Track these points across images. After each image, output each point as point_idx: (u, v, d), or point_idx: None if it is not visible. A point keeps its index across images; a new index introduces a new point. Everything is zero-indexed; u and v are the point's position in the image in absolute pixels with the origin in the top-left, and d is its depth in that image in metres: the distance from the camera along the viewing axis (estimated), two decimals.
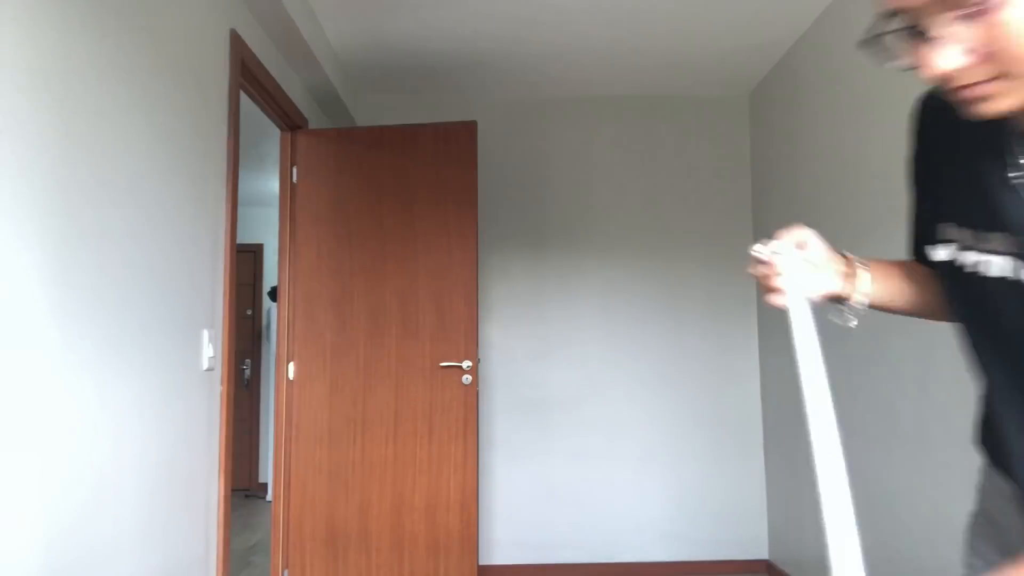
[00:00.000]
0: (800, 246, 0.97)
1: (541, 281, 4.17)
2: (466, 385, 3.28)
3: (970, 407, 2.36)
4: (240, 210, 6.31)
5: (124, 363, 1.82)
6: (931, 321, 1.12)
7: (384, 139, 3.43)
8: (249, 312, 6.61)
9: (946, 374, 2.38)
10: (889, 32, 0.70)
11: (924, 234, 0.95)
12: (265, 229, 6.44)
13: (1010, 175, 0.77)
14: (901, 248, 2.79)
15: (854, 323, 1.00)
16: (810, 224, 3.52)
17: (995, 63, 0.67)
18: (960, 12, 0.66)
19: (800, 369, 0.89)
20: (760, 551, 4.04)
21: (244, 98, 2.98)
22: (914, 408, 2.57)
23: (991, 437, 0.90)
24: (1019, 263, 0.76)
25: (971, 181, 0.82)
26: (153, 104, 2.00)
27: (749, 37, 3.53)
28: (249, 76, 2.78)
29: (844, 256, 1.01)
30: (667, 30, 3.45)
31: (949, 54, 0.68)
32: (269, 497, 6.07)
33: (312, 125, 3.63)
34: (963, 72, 0.69)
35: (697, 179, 4.25)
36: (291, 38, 3.02)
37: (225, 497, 2.45)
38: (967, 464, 2.30)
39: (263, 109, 3.15)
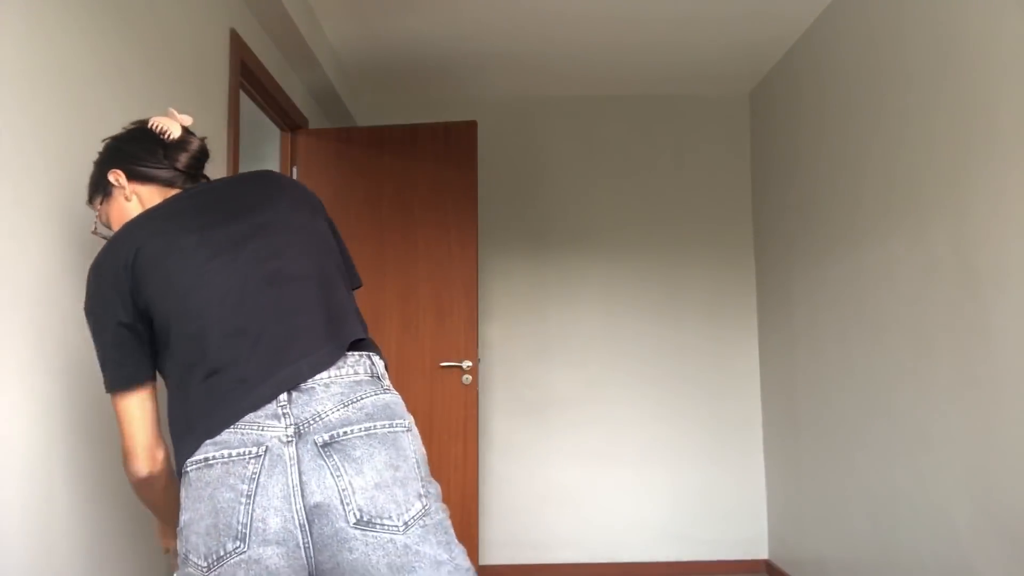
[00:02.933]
0: None
1: (541, 281, 4.17)
2: (466, 385, 3.28)
3: (970, 408, 2.38)
4: None
5: None
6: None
7: (384, 139, 3.43)
8: None
9: (947, 374, 2.38)
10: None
11: None
12: None
13: None
14: (902, 247, 2.79)
15: None
16: (810, 225, 3.51)
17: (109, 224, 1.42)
18: (94, 204, 1.43)
19: None
20: (760, 551, 4.04)
21: (244, 98, 2.98)
22: (914, 408, 2.57)
23: None
24: None
25: None
26: (153, 104, 2.00)
27: (749, 36, 3.53)
28: (249, 76, 2.78)
29: None
30: (667, 30, 3.45)
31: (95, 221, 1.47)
32: None
33: (312, 125, 3.63)
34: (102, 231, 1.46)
35: (697, 179, 4.24)
36: (291, 38, 3.02)
37: None
38: (967, 464, 2.31)
39: (263, 109, 3.14)
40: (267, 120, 3.36)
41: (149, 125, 1.39)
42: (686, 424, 4.11)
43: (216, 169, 2.43)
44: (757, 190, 4.16)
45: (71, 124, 1.62)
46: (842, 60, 3.10)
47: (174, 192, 1.36)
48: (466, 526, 3.24)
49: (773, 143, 3.91)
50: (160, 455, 1.25)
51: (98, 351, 1.23)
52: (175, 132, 1.38)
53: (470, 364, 3.28)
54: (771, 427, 3.96)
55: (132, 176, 1.36)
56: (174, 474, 1.25)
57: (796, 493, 3.63)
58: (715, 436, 4.10)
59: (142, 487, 1.27)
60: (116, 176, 1.37)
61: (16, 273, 1.44)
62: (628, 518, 4.06)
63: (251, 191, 1.31)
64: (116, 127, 1.79)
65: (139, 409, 1.22)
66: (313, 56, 3.21)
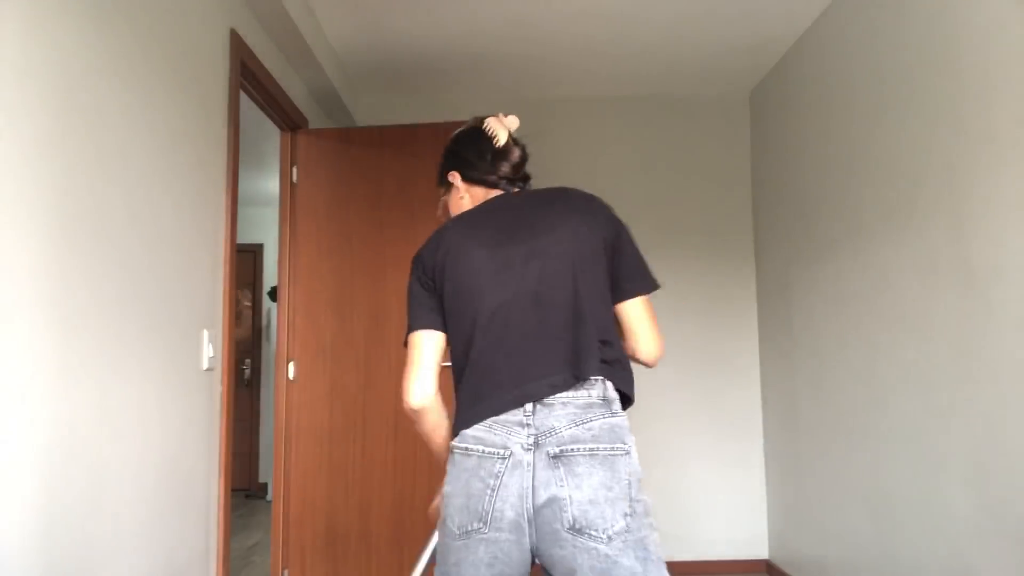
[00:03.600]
0: None
1: None
2: None
3: (970, 407, 2.38)
4: (240, 210, 6.31)
5: (124, 363, 1.82)
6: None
7: (384, 139, 3.43)
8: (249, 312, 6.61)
9: (947, 374, 2.38)
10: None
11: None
12: (265, 229, 6.44)
13: None
14: (902, 247, 2.80)
15: None
16: (810, 224, 3.52)
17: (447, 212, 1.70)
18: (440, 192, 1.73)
19: None
20: (760, 551, 4.04)
21: (244, 98, 2.98)
22: (914, 407, 2.57)
23: None
24: None
25: None
26: (153, 104, 2.00)
27: (749, 37, 3.53)
28: (249, 76, 2.78)
29: None
30: (667, 30, 3.45)
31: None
32: (269, 497, 6.03)
33: (312, 125, 3.63)
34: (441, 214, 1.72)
35: (697, 179, 4.24)
36: (291, 38, 3.02)
37: (225, 497, 2.45)
38: (967, 464, 2.31)
39: (263, 109, 3.14)
40: (267, 120, 3.36)
41: (483, 127, 1.64)
42: (686, 423, 4.11)
43: (216, 170, 2.43)
44: (757, 190, 4.16)
45: (72, 124, 1.62)
46: (842, 60, 3.10)
47: (496, 193, 1.63)
48: None
49: (773, 143, 3.91)
50: (421, 394, 1.45)
51: (408, 314, 1.52)
52: (502, 139, 1.63)
53: None
54: (771, 427, 3.96)
55: (465, 179, 1.64)
56: (442, 417, 1.50)
57: (796, 493, 3.63)
58: (715, 435, 4.10)
59: (413, 421, 1.52)
60: (453, 177, 1.66)
61: (16, 272, 1.44)
62: None
63: (540, 216, 1.52)
64: (116, 128, 1.80)
65: (417, 347, 1.46)
66: (313, 56, 3.21)
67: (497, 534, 1.34)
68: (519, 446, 1.35)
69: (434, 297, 1.50)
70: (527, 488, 1.34)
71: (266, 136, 4.36)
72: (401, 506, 3.27)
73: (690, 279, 4.18)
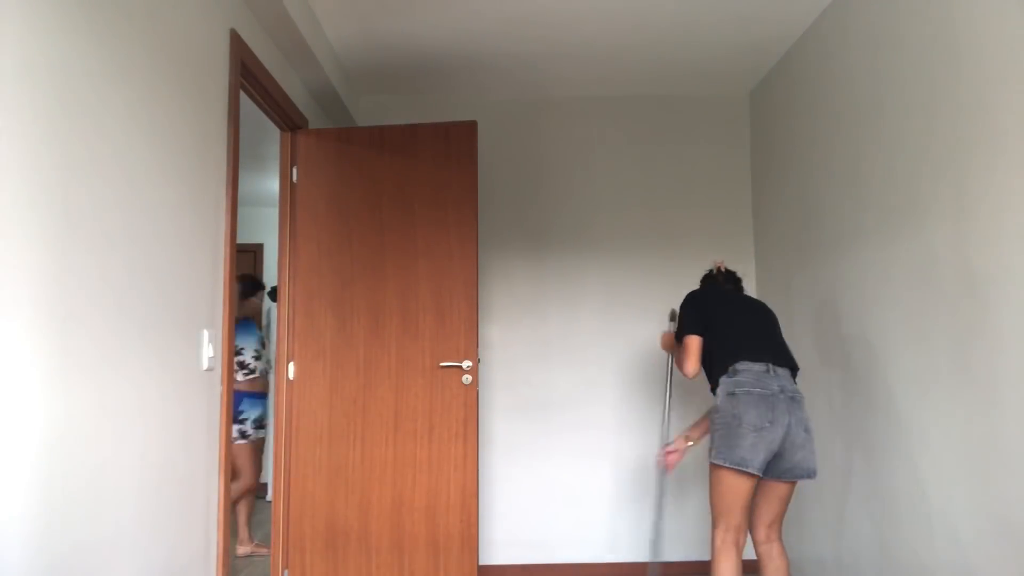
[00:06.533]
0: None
1: (541, 281, 4.17)
2: (466, 385, 3.28)
3: (970, 408, 2.37)
4: (240, 210, 6.31)
5: (124, 363, 1.82)
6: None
7: (384, 139, 3.43)
8: None
9: (947, 374, 2.38)
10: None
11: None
12: (265, 229, 6.44)
13: None
14: (902, 248, 2.81)
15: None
16: (810, 225, 3.52)
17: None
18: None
19: None
20: None
21: (244, 98, 2.98)
22: (914, 408, 2.57)
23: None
24: None
25: None
26: (153, 104, 2.00)
27: (749, 36, 3.53)
28: (249, 76, 2.78)
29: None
30: (667, 30, 3.45)
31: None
32: (269, 497, 6.04)
33: (312, 125, 3.63)
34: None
35: (697, 179, 4.24)
36: (291, 38, 3.02)
37: (225, 497, 2.45)
38: (967, 464, 2.30)
39: (263, 109, 3.14)
40: (267, 120, 3.36)
41: (712, 269, 3.14)
42: (686, 424, 4.11)
43: (216, 170, 2.43)
44: (757, 190, 4.16)
45: (72, 123, 1.63)
46: (842, 60, 3.10)
47: (716, 285, 3.07)
48: (466, 526, 3.24)
49: (773, 143, 3.91)
50: (691, 369, 2.79)
51: (683, 321, 2.87)
52: (714, 271, 3.11)
53: (470, 364, 3.28)
54: None
55: (702, 282, 3.14)
56: (692, 377, 2.82)
57: (796, 493, 3.62)
58: None
59: (686, 375, 2.82)
60: (703, 281, 3.15)
61: (16, 271, 1.44)
62: (628, 517, 4.06)
63: (748, 304, 2.90)
64: (117, 128, 1.80)
65: (694, 342, 2.79)
66: (313, 56, 3.21)
67: (774, 428, 2.55)
68: (773, 390, 2.61)
69: (701, 314, 2.85)
70: (783, 411, 2.57)
71: (266, 136, 4.36)
72: (401, 506, 3.27)
73: (690, 279, 4.16)
